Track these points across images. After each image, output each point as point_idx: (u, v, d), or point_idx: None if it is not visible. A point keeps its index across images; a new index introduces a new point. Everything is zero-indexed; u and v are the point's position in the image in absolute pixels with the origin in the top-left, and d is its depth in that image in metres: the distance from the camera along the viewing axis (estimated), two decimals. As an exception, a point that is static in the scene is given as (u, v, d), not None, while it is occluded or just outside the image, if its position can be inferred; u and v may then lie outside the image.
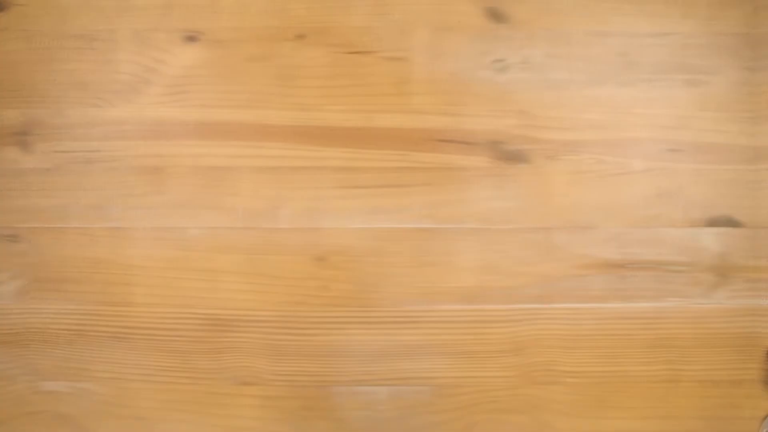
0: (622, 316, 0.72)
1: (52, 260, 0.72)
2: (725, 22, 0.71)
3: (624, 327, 0.72)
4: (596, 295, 0.72)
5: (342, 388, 0.72)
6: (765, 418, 0.72)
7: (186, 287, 0.71)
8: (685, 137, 0.71)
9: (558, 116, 0.71)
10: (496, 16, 0.71)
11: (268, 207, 0.72)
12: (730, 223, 0.72)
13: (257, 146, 0.71)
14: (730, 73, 0.71)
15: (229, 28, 0.70)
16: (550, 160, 0.71)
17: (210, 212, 0.70)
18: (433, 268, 0.72)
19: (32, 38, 0.71)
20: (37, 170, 0.71)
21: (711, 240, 0.72)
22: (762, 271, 0.72)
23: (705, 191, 0.72)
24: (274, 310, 0.72)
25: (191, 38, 0.71)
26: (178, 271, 0.72)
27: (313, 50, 0.70)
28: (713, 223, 0.72)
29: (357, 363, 0.73)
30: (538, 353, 0.73)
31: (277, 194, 0.71)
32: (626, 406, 0.73)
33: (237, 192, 0.71)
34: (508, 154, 0.71)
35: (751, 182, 0.71)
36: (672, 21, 0.71)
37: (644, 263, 0.72)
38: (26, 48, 0.71)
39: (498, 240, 0.72)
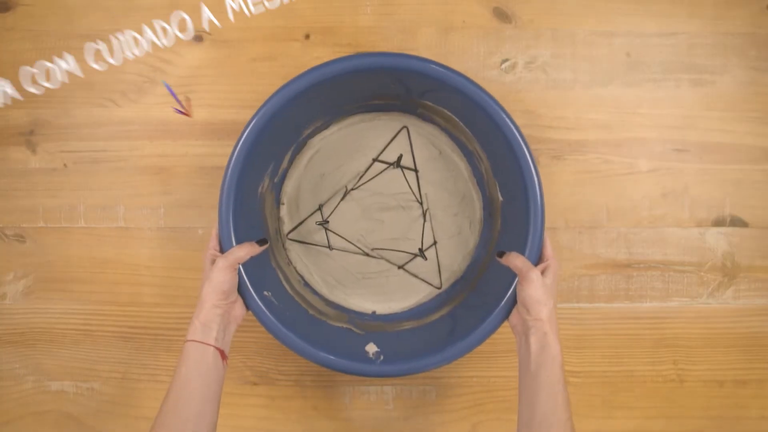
0: (627, 316, 0.72)
1: (58, 260, 0.72)
2: (732, 21, 0.71)
3: (630, 327, 0.72)
4: (602, 294, 0.72)
5: (348, 387, 0.72)
6: None
7: (192, 287, 0.71)
8: (691, 137, 0.72)
9: (564, 116, 0.71)
10: (502, 16, 0.71)
11: (274, 207, 0.72)
12: (737, 223, 0.72)
13: (264, 146, 0.70)
14: (737, 73, 0.71)
15: (235, 28, 0.70)
16: (556, 159, 0.71)
17: (216, 212, 0.70)
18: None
19: (38, 38, 0.71)
20: (43, 170, 0.72)
21: (717, 240, 0.72)
22: (768, 271, 0.72)
23: (711, 191, 0.72)
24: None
25: (197, 38, 0.71)
26: (185, 270, 0.71)
27: (320, 50, 0.70)
28: (719, 223, 0.72)
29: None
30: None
31: (283, 194, 0.71)
32: (632, 406, 0.73)
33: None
34: (514, 153, 0.71)
35: (757, 182, 0.71)
36: (678, 21, 0.71)
37: (650, 263, 0.72)
38: (32, 48, 0.71)
39: (504, 240, 0.72)
